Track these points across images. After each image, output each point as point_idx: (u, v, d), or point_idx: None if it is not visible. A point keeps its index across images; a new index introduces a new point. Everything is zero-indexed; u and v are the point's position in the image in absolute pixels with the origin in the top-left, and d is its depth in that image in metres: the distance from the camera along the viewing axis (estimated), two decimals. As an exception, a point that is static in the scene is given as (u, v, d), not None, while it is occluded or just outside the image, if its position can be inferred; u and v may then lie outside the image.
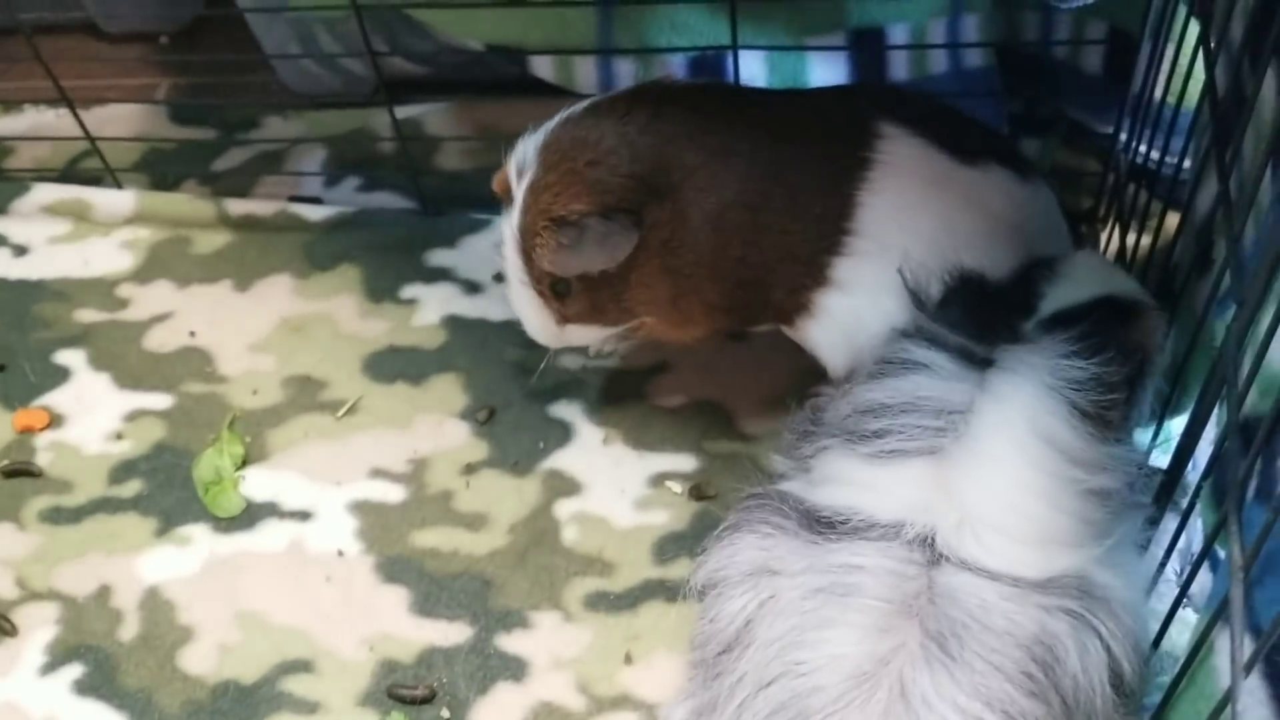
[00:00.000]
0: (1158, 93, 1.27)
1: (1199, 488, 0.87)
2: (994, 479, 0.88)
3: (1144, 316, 1.02)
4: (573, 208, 1.14)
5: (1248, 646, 0.69)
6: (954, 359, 0.94)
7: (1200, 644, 0.77)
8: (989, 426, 0.90)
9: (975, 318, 0.97)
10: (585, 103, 1.20)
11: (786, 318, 1.23)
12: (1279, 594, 0.66)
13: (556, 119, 1.19)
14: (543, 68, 1.44)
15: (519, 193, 1.17)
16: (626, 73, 1.42)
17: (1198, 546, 1.03)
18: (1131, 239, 1.33)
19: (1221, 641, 0.73)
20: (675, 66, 1.40)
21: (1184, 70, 1.14)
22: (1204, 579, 0.94)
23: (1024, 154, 1.27)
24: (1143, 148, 1.31)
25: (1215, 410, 0.89)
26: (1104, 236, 1.44)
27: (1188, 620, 0.95)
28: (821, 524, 0.91)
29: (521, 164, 1.18)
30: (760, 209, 1.16)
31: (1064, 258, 1.07)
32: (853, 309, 1.16)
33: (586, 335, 1.25)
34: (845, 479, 0.93)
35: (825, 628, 0.86)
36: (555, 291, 1.20)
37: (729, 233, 1.17)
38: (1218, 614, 0.73)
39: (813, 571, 0.88)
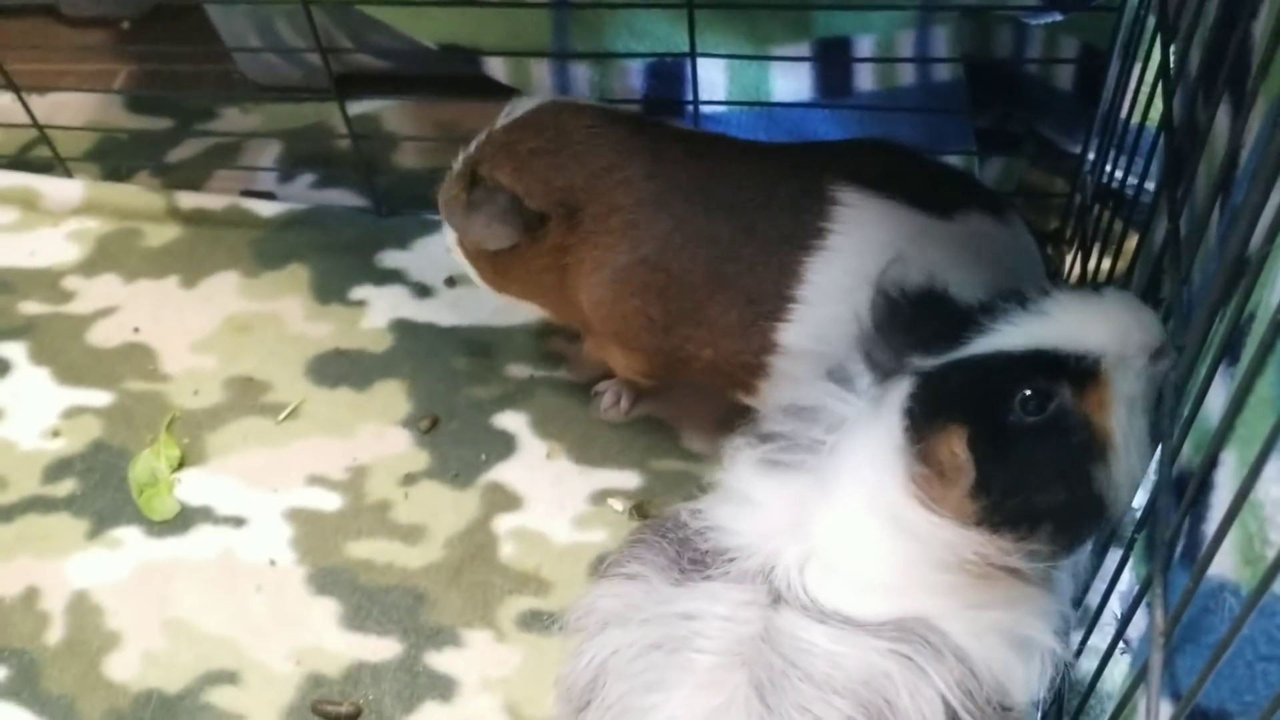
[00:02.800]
0: (1124, 112, 1.23)
1: (1132, 540, 0.84)
2: (835, 515, 0.82)
3: (1097, 388, 0.84)
4: (496, 175, 1.14)
5: (1167, 712, 0.66)
6: (866, 368, 0.85)
7: (1124, 705, 0.74)
8: (841, 458, 0.82)
9: (903, 331, 0.85)
10: (594, 103, 1.20)
11: (738, 383, 1.18)
12: (1199, 662, 0.63)
13: (567, 100, 1.20)
14: (496, 69, 1.40)
15: (496, 122, 1.19)
16: (582, 77, 1.39)
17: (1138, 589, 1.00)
18: (1094, 263, 1.30)
19: (1144, 704, 0.70)
20: (633, 73, 1.37)
21: (1151, 88, 1.11)
22: (1141, 622, 0.91)
23: (999, 194, 1.22)
24: (1108, 168, 1.28)
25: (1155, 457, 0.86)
26: (1068, 259, 1.41)
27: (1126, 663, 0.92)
28: (692, 552, 0.85)
29: (514, 108, 1.19)
30: (676, 272, 1.13)
31: (1062, 293, 0.88)
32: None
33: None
34: (733, 488, 0.86)
35: (654, 691, 0.81)
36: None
37: (630, 286, 1.14)
38: (1139, 679, 0.70)
39: (653, 623, 0.83)
